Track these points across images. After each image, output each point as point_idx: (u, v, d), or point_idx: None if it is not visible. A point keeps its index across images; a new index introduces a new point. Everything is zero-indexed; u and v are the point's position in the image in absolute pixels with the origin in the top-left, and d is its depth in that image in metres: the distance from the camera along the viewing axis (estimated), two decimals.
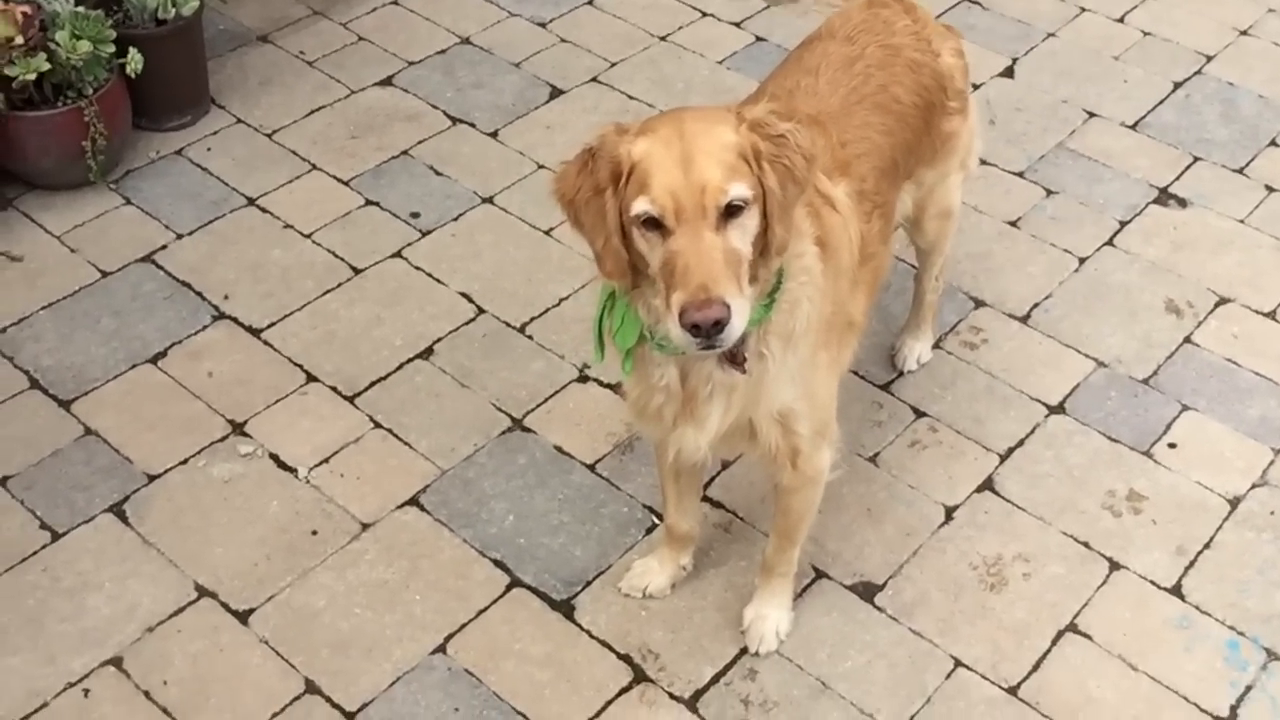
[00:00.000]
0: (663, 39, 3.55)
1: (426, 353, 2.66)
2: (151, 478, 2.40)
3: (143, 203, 2.98)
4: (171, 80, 3.07)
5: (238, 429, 2.50)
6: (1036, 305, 2.79)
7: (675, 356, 1.77)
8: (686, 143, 1.60)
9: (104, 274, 2.81)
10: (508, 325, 2.72)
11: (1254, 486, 2.42)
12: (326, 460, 2.45)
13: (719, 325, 1.55)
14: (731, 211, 1.60)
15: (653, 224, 1.60)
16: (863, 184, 2.00)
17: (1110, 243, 2.94)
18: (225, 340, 2.67)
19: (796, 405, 1.87)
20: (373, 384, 2.59)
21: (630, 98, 3.34)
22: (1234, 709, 2.09)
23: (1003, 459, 2.47)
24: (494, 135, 3.22)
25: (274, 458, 2.45)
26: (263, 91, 3.31)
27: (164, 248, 2.87)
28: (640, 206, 1.60)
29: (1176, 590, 2.25)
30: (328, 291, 2.79)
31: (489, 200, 3.03)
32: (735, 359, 1.75)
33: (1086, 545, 2.32)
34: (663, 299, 1.61)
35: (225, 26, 3.49)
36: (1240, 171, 3.13)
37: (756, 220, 1.63)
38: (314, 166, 3.10)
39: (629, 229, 1.63)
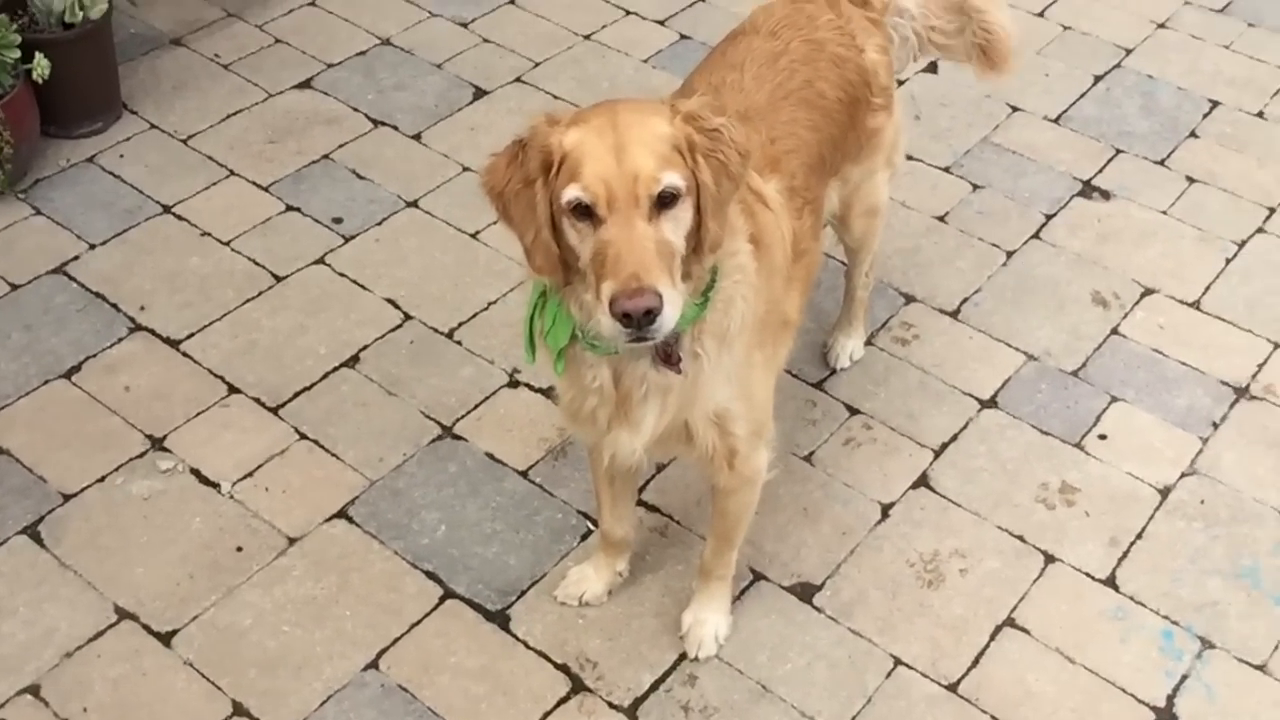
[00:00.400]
0: (587, 38, 3.51)
1: (352, 361, 2.60)
2: (67, 497, 2.32)
3: (53, 212, 2.89)
4: (81, 86, 2.98)
5: (157, 444, 2.42)
6: (966, 300, 2.79)
7: (608, 357, 1.74)
8: (620, 132, 1.57)
9: (13, 287, 2.72)
10: (435, 331, 2.67)
11: (1183, 476, 2.44)
12: (250, 474, 2.38)
13: (650, 315, 1.52)
14: (664, 202, 1.57)
15: (584, 213, 1.57)
16: (793, 180, 1.98)
17: (1036, 236, 2.96)
18: (142, 353, 2.59)
19: (732, 405, 1.85)
20: (297, 394, 2.53)
21: (555, 98, 3.30)
22: (1170, 699, 2.10)
23: (937, 454, 2.47)
24: (417, 138, 3.16)
25: (195, 473, 2.37)
26: (176, 96, 3.22)
27: (76, 258, 2.78)
28: (571, 194, 1.56)
29: (1111, 582, 2.26)
30: (248, 300, 2.72)
31: (413, 204, 2.98)
32: (669, 359, 1.72)
33: (1021, 539, 2.33)
34: (593, 292, 1.57)
35: (136, 30, 3.39)
36: (1161, 163, 3.16)
37: (690, 214, 1.61)
38: (231, 172, 3.02)
39: (559, 221, 1.60)
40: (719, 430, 1.86)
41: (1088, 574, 2.27)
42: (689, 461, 2.00)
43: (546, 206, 1.60)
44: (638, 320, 1.52)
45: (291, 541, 2.27)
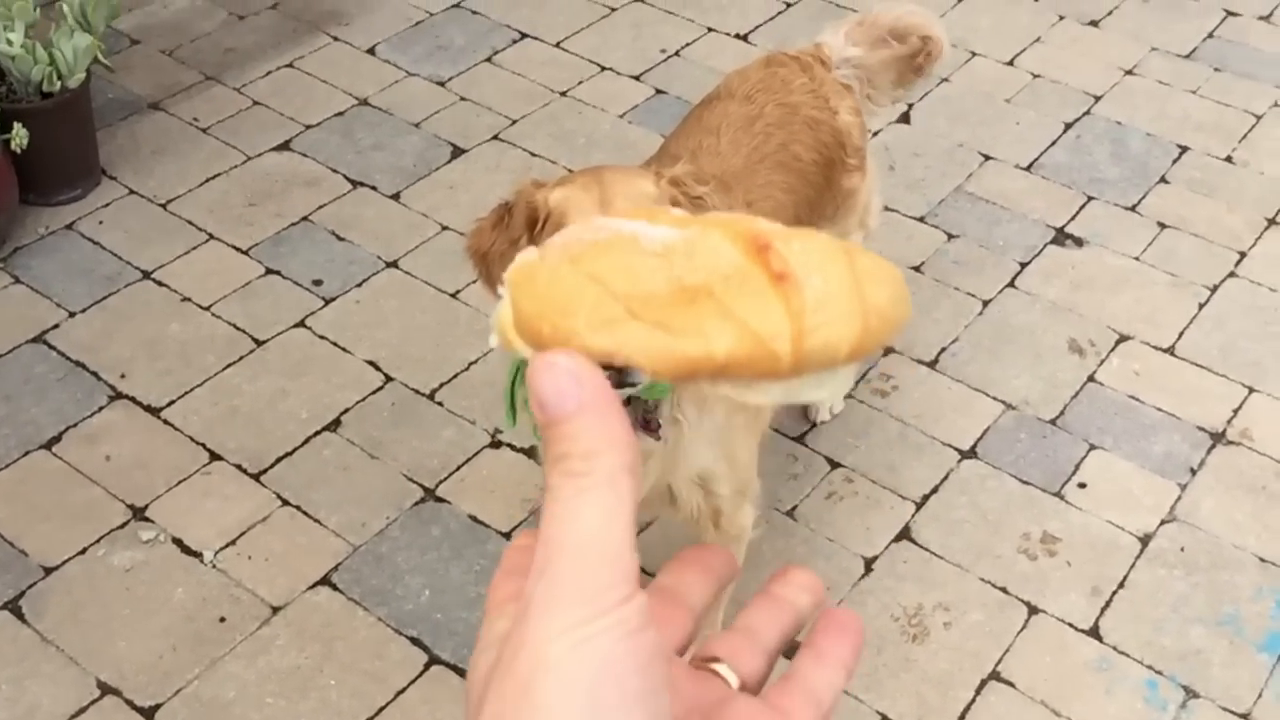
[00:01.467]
0: (563, 94, 3.55)
1: (334, 424, 2.60)
2: (48, 570, 2.31)
3: (32, 280, 2.89)
4: (59, 153, 2.99)
5: (138, 514, 2.41)
6: (944, 350, 2.82)
7: None
8: (605, 188, 1.58)
9: None
10: (417, 392, 2.68)
11: (1163, 523, 2.45)
12: (233, 542, 2.37)
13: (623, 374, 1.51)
14: None
15: None
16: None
17: (1012, 284, 2.99)
18: (123, 421, 2.59)
19: (715, 467, 1.86)
20: (279, 460, 2.53)
21: (532, 155, 3.33)
22: None
23: (918, 507, 2.48)
24: (396, 197, 3.18)
25: (177, 542, 2.37)
26: (155, 161, 3.24)
27: (56, 327, 2.78)
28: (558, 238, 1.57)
29: (1094, 632, 2.27)
30: (229, 365, 2.72)
31: (393, 264, 2.99)
32: (649, 426, 1.73)
33: (1005, 590, 2.34)
34: None
35: (114, 95, 3.41)
36: (1133, 209, 3.20)
37: None
38: (211, 236, 3.04)
39: None
40: (703, 491, 1.87)
41: (1071, 625, 2.28)
42: (674, 522, 2.01)
43: None
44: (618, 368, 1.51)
45: (275, 610, 2.26)
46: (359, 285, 2.93)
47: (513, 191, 1.65)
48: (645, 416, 1.71)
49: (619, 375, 1.63)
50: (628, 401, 1.68)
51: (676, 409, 1.75)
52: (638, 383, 1.56)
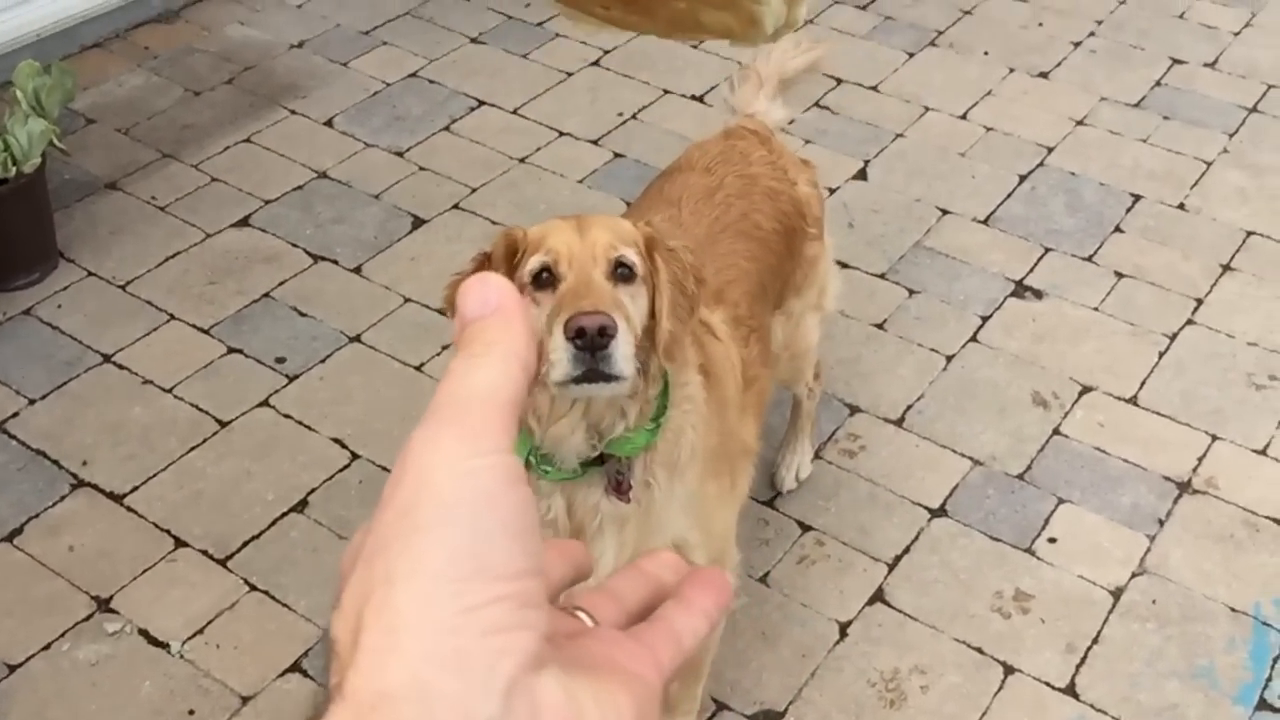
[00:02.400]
0: (522, 161, 3.56)
1: (300, 505, 2.58)
2: (12, 668, 2.27)
3: None
4: (16, 238, 2.97)
5: (103, 606, 2.38)
6: (910, 407, 2.83)
7: (561, 484, 1.74)
8: (584, 220, 1.63)
9: None
10: (383, 469, 2.65)
11: (1134, 576, 2.46)
12: (200, 631, 2.34)
13: (604, 335, 1.50)
14: (621, 276, 1.60)
15: (545, 282, 1.59)
16: (736, 309, 2.02)
17: (974, 339, 3.01)
18: (85, 510, 2.55)
19: (690, 535, 1.85)
20: (245, 544, 2.50)
21: (493, 223, 3.33)
22: None
23: (891, 568, 2.48)
24: (357, 270, 3.18)
25: (144, 633, 2.33)
26: (114, 241, 3.22)
27: (15, 415, 2.75)
28: (534, 262, 1.60)
29: (1071, 690, 2.27)
30: (193, 448, 2.69)
31: (356, 339, 2.98)
32: (620, 487, 1.73)
33: (980, 651, 2.33)
34: (548, 341, 1.54)
35: (71, 175, 3.39)
36: (1090, 259, 3.24)
37: (644, 302, 1.63)
38: (172, 316, 3.01)
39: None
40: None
41: (1047, 683, 2.28)
42: None
43: None
44: (591, 339, 1.49)
45: (245, 700, 2.23)
46: (322, 361, 2.91)
47: (491, 241, 1.69)
48: (617, 477, 1.72)
49: (593, 345, 1.56)
50: (601, 462, 1.67)
51: (648, 472, 1.75)
52: (608, 369, 1.52)
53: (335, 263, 3.19)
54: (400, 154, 3.57)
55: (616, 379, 1.53)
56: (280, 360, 2.91)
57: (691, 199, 2.13)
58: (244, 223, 3.31)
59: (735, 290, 2.04)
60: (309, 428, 2.75)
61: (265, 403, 2.81)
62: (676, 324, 1.66)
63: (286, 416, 2.78)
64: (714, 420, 1.84)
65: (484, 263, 1.66)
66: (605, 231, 1.61)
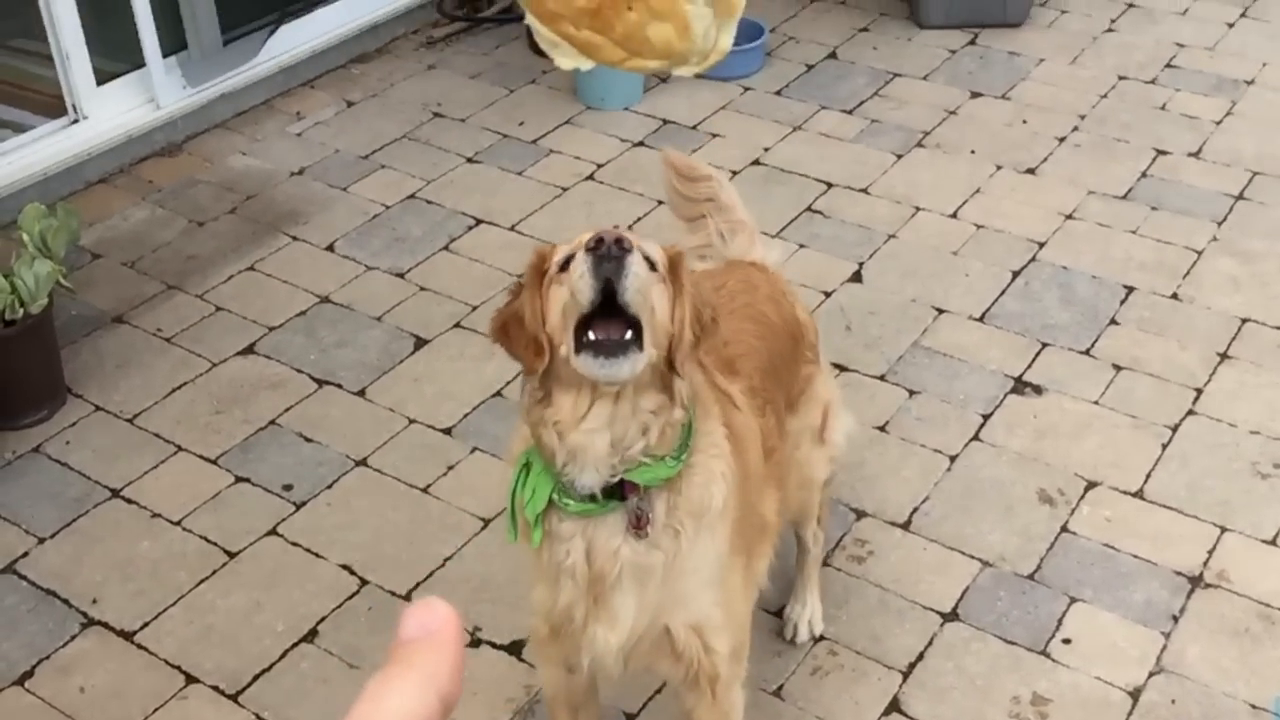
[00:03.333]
0: (521, 277, 3.60)
1: (311, 635, 2.57)
2: None
3: (0, 508, 2.87)
4: (24, 378, 3.01)
5: None
6: (916, 510, 2.83)
7: (582, 526, 1.75)
8: (609, 230, 1.66)
9: None
10: (393, 595, 2.66)
11: (1151, 675, 2.45)
12: None
13: (621, 245, 1.55)
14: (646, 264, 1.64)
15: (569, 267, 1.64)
16: (750, 381, 2.05)
17: (977, 438, 3.02)
18: (96, 649, 2.55)
19: (713, 614, 1.86)
20: (256, 677, 2.49)
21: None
22: None
23: (905, 676, 2.47)
24: (362, 394, 3.20)
25: None
26: (121, 375, 3.25)
27: (25, 555, 2.76)
28: (560, 255, 1.64)
29: None
30: (202, 581, 2.70)
31: (362, 463, 3.00)
32: (639, 522, 1.74)
33: None
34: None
35: (78, 311, 3.44)
36: (1087, 353, 3.26)
37: (665, 303, 1.66)
38: (179, 448, 3.04)
39: (547, 301, 1.66)
40: (701, 643, 1.86)
41: None
42: (668, 677, 1.98)
43: (538, 303, 1.67)
44: (608, 247, 1.55)
45: None
46: (329, 487, 2.93)
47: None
48: (636, 513, 1.74)
49: (609, 254, 1.61)
50: (623, 497, 1.64)
51: (673, 517, 1.77)
52: (621, 280, 1.59)
53: (339, 387, 3.22)
54: (401, 275, 3.62)
55: (630, 349, 1.58)
56: (287, 487, 2.93)
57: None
58: (249, 350, 3.34)
59: (748, 363, 2.08)
60: (317, 555, 2.75)
61: (273, 531, 2.81)
62: (692, 342, 1.69)
63: (294, 544, 2.78)
64: (739, 485, 1.86)
65: (519, 289, 1.72)
66: (631, 235, 1.66)
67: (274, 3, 4.39)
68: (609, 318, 1.60)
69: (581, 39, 1.04)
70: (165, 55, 4.04)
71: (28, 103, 3.99)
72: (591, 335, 1.60)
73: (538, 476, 1.76)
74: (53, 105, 3.92)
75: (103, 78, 3.95)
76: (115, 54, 4.01)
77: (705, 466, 1.78)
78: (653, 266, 1.66)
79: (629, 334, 1.60)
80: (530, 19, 1.05)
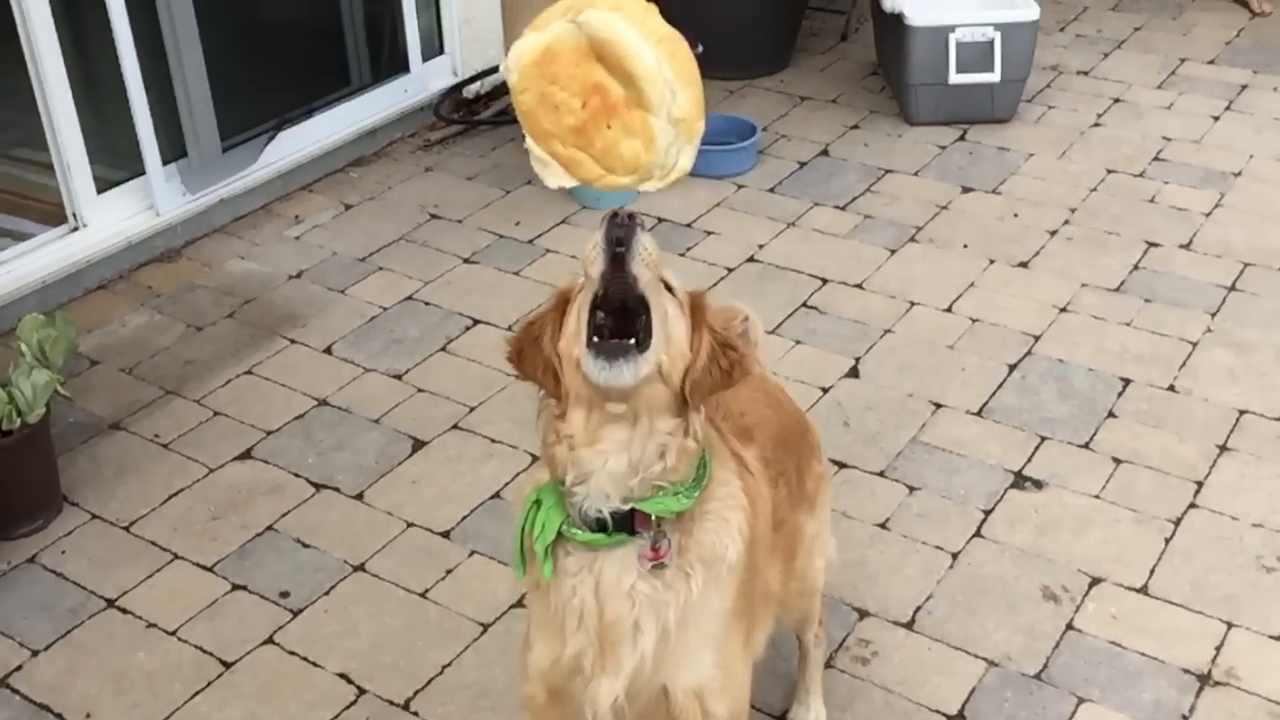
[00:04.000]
0: (519, 377, 3.60)
1: None
2: None
3: None
4: (21, 488, 2.99)
5: None
6: (919, 608, 2.80)
7: (590, 560, 1.75)
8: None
9: None
10: (391, 704, 2.61)
11: None
12: None
13: (633, 218, 1.58)
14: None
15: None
16: (764, 451, 2.05)
17: (978, 534, 3.00)
18: None
19: (715, 677, 1.83)
20: None
21: (493, 441, 3.36)
22: None
23: None
24: (359, 497, 3.19)
25: None
26: (118, 482, 3.24)
27: (19, 668, 2.72)
28: (581, 280, 1.66)
29: None
30: (197, 693, 2.66)
31: (360, 568, 2.97)
32: (658, 552, 1.73)
33: None
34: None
35: (75, 419, 3.43)
36: (1086, 446, 3.26)
37: (681, 328, 1.68)
38: (175, 556, 3.01)
39: (566, 320, 1.69)
40: (700, 708, 1.83)
41: None
42: None
43: (556, 334, 1.70)
44: (621, 219, 1.58)
45: None
46: (326, 594, 2.90)
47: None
48: (655, 545, 1.73)
49: (622, 221, 1.65)
50: (631, 530, 1.72)
51: (685, 559, 1.76)
52: (629, 246, 1.62)
53: (337, 490, 3.21)
54: (399, 377, 3.63)
55: (632, 352, 1.60)
56: (284, 595, 2.90)
57: None
58: (246, 455, 3.33)
59: (761, 433, 2.08)
60: (314, 664, 2.72)
61: (270, 640, 2.78)
62: (708, 376, 1.70)
63: (291, 653, 2.75)
64: (748, 556, 1.85)
65: (538, 318, 1.74)
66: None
67: (272, 110, 4.45)
68: (620, 328, 1.63)
69: (566, 155, 1.21)
70: (165, 163, 4.10)
71: (28, 211, 4.03)
72: (597, 338, 1.62)
73: (548, 511, 1.75)
74: (53, 213, 3.96)
75: (103, 186, 4.00)
76: (116, 162, 4.06)
77: (720, 515, 1.78)
78: (669, 289, 1.68)
79: (633, 340, 1.62)
80: (527, 138, 1.16)
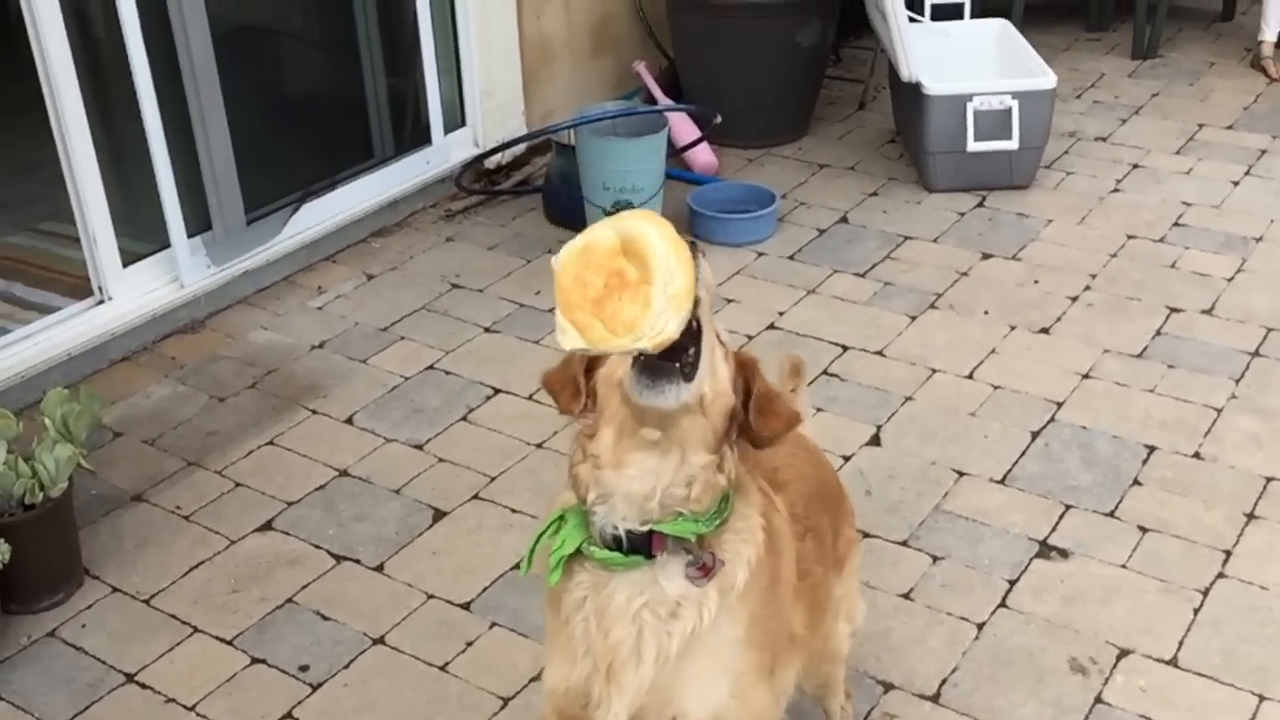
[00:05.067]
0: (539, 446, 3.61)
1: None
2: None
3: (13, 695, 2.83)
4: (42, 562, 2.99)
5: None
6: (945, 681, 2.76)
7: (603, 580, 1.74)
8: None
9: None
10: None
11: None
12: None
13: (695, 245, 1.57)
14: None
15: None
16: (794, 506, 2.06)
17: (1004, 604, 2.97)
18: None
19: (730, 705, 1.81)
20: None
21: (513, 511, 3.35)
22: None
23: None
24: (379, 569, 3.18)
25: None
26: (138, 554, 3.24)
27: None
28: None
29: None
30: None
31: (380, 640, 2.96)
32: (704, 569, 1.74)
33: None
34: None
35: (98, 491, 3.45)
36: (1112, 515, 3.22)
37: (727, 372, 1.70)
38: (195, 629, 3.00)
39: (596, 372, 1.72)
40: None
41: None
42: None
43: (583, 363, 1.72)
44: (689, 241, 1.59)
45: None
46: (346, 667, 2.88)
47: None
48: (700, 563, 1.74)
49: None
50: (649, 553, 1.73)
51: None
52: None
53: (358, 562, 3.20)
54: (419, 447, 3.63)
55: (676, 377, 1.59)
56: (303, 668, 2.88)
57: None
58: (267, 526, 3.33)
59: (794, 488, 2.09)
60: None
61: (289, 715, 2.76)
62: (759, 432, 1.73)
63: None
64: (768, 590, 1.85)
65: (568, 359, 1.74)
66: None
67: (297, 182, 4.51)
68: (669, 353, 1.61)
69: (583, 321, 1.51)
70: (190, 235, 4.14)
71: (54, 284, 4.08)
72: (643, 357, 1.61)
73: (571, 530, 1.76)
74: (79, 286, 4.00)
75: (129, 259, 4.04)
76: (141, 235, 4.11)
77: (734, 548, 1.78)
78: (719, 339, 1.70)
79: (678, 364, 1.62)
80: (557, 310, 1.54)
